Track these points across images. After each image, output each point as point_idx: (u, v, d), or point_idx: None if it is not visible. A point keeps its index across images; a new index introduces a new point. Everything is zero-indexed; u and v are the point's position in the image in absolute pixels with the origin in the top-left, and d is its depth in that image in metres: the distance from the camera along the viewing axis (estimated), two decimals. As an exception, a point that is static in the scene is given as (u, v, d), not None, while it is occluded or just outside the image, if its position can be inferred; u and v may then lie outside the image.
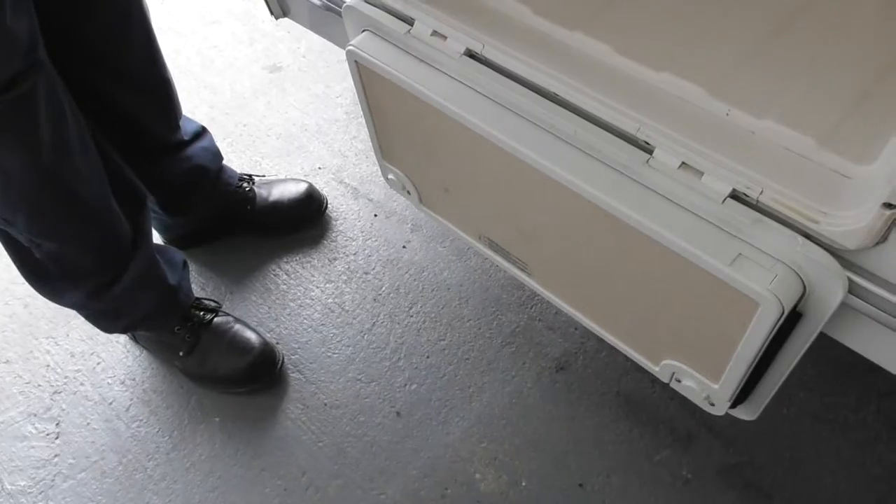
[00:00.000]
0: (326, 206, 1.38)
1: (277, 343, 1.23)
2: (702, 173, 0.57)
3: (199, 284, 1.33)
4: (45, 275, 1.01)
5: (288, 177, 1.46)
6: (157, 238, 1.34)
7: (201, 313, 1.17)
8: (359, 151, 1.51)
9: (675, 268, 0.60)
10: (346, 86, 1.64)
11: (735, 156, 0.56)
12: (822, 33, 0.65)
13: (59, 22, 0.90)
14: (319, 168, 1.49)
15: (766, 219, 0.55)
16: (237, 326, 1.18)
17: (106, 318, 1.12)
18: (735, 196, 0.56)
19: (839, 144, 0.54)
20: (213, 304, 1.20)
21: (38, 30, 0.82)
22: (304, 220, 1.35)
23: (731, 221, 0.56)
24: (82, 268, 1.00)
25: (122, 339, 1.27)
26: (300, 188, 1.34)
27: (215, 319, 1.18)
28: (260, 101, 1.66)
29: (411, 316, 1.25)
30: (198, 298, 1.20)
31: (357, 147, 1.52)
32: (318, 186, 1.42)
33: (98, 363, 1.26)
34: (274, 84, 1.70)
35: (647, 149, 0.60)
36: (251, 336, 1.17)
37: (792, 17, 0.67)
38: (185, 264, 1.18)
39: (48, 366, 1.26)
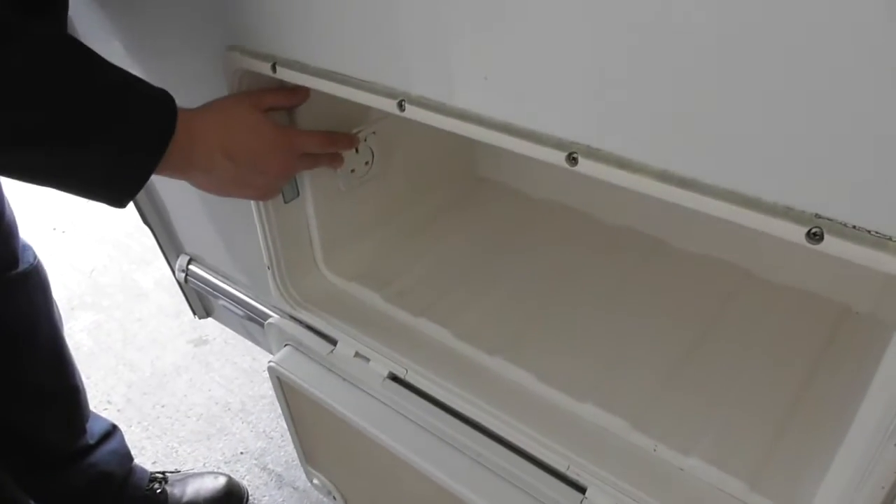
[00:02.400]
0: (247, 502, 1.26)
1: None
2: (639, 519, 0.55)
3: None
4: None
5: (206, 466, 1.35)
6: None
7: None
8: (284, 432, 1.43)
9: None
10: (273, 358, 1.61)
11: (670, 499, 0.55)
12: (733, 354, 0.68)
13: None
14: (242, 453, 1.39)
15: (713, 574, 0.51)
16: None
17: None
18: (677, 546, 0.53)
19: (769, 487, 0.54)
20: None
21: None
22: (221, 520, 1.22)
23: (677, 575, 0.53)
24: None
25: None
26: (218, 484, 1.23)
27: None
28: (182, 378, 1.60)
29: None
30: None
31: (282, 427, 1.44)
32: (239, 474, 1.31)
33: None
34: (198, 359, 1.65)
35: (580, 487, 0.58)
36: None
37: (702, 339, 0.70)
38: None
39: None
